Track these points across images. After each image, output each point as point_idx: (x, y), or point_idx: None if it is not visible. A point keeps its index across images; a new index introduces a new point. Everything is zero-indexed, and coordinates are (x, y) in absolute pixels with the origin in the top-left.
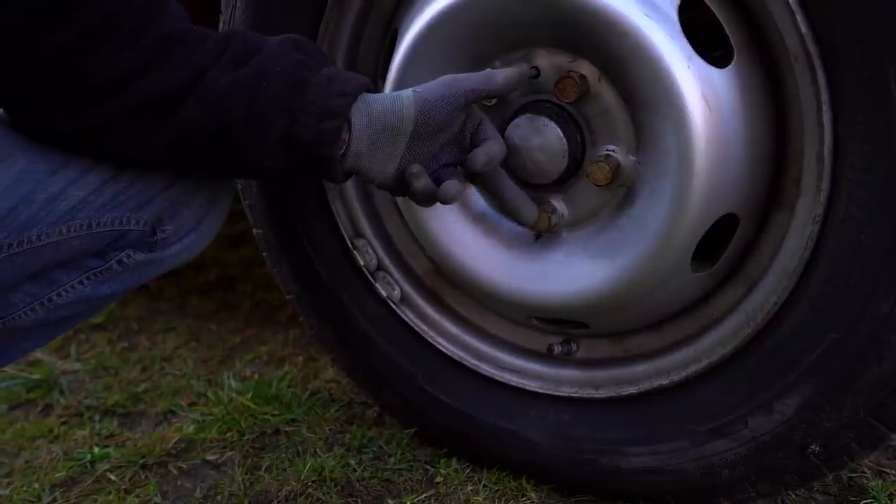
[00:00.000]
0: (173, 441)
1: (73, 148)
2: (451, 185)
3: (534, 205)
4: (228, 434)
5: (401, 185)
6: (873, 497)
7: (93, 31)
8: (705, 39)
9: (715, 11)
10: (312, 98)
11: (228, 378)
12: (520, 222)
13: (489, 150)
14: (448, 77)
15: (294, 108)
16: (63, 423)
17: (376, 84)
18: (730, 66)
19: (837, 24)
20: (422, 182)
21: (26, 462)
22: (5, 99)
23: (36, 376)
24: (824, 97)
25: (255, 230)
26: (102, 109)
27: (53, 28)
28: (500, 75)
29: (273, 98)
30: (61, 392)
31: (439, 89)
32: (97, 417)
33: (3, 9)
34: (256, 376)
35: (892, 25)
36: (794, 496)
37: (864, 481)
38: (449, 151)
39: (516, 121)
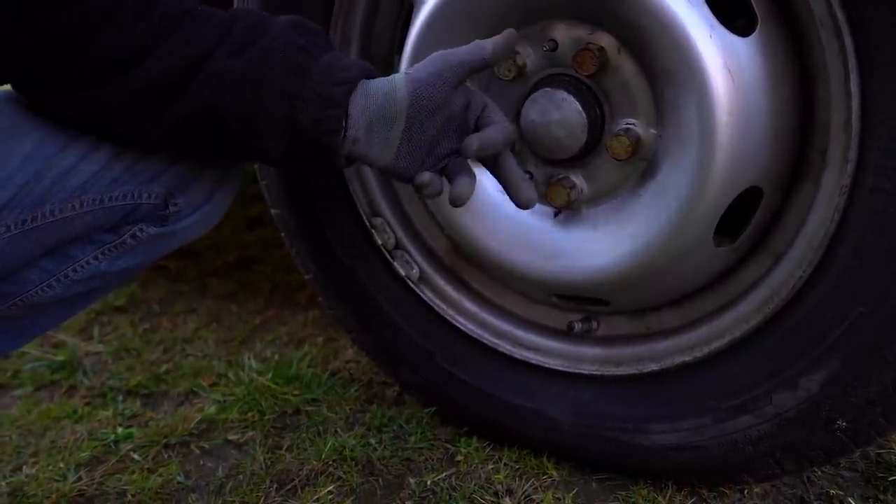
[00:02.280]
0: (195, 421)
1: (80, 128)
2: (458, 191)
3: (533, 190)
4: (249, 414)
5: (405, 176)
6: None
7: (100, 7)
8: (728, 7)
9: None
10: (313, 86)
11: (249, 359)
12: (517, 205)
13: (483, 137)
14: (438, 53)
15: (295, 95)
16: (87, 403)
17: (390, 60)
18: (753, 35)
19: None
20: (430, 189)
21: (52, 442)
22: (14, 77)
23: (60, 358)
24: (852, 64)
25: (272, 210)
26: (108, 90)
27: (64, 4)
28: (489, 43)
29: (275, 85)
30: (85, 373)
31: (430, 67)
32: (120, 398)
33: None
34: (277, 357)
35: None
36: (819, 473)
37: (893, 457)
38: (451, 137)
39: (534, 95)
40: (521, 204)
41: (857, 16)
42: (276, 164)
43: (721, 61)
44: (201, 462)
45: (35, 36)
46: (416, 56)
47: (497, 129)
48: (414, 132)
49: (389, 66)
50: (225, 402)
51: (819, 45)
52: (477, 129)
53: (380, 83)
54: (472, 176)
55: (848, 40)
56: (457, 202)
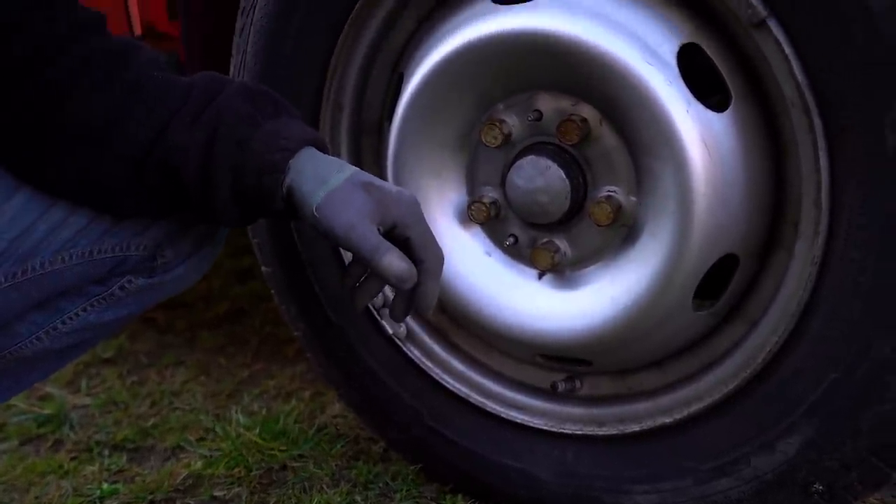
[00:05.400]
0: (181, 476)
1: (60, 195)
2: (359, 294)
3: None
4: (236, 470)
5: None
6: None
7: (71, 77)
8: (704, 84)
9: (713, 58)
10: (252, 155)
11: (236, 413)
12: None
13: (430, 294)
14: (355, 215)
15: (238, 165)
16: (73, 458)
17: (380, 126)
18: (728, 111)
19: (833, 72)
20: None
21: (36, 498)
22: None
23: (47, 411)
24: (821, 143)
25: (263, 268)
26: (77, 159)
27: (41, 70)
28: (387, 263)
29: (221, 158)
30: (71, 427)
31: (336, 221)
32: (107, 452)
33: (2, 41)
34: (264, 411)
35: (886, 74)
36: None
37: None
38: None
39: (519, 162)
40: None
41: (824, 97)
42: (239, 225)
43: (698, 135)
44: None
45: (16, 112)
46: (404, 124)
47: (433, 275)
48: None
49: (379, 132)
50: (212, 457)
51: (790, 123)
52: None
53: (310, 181)
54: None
55: (816, 120)
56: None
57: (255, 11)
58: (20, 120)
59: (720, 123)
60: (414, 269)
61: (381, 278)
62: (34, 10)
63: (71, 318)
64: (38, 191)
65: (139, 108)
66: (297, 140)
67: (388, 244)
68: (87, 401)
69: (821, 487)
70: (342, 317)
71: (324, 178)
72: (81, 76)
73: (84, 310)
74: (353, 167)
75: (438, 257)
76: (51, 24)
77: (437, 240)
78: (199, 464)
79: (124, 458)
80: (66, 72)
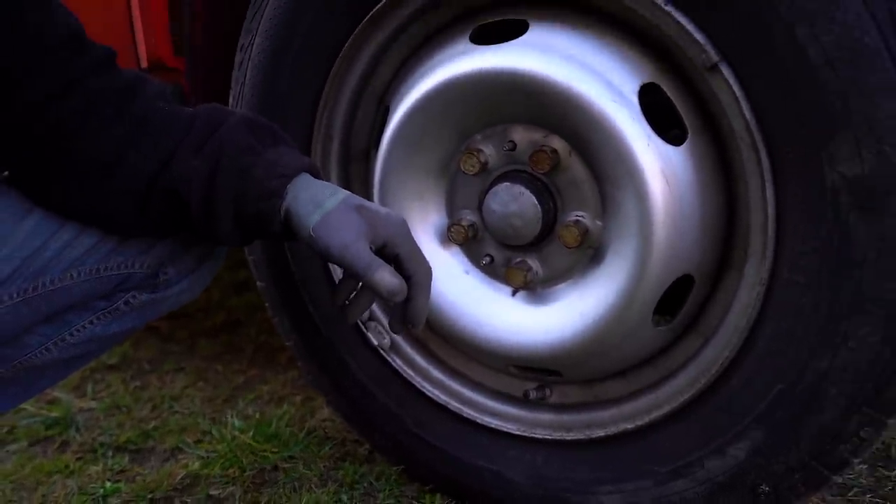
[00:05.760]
0: (180, 476)
1: (70, 217)
2: (351, 309)
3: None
4: (231, 470)
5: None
6: None
7: (81, 113)
8: (662, 120)
9: (671, 96)
10: (253, 182)
11: (232, 417)
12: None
13: (421, 305)
14: (350, 238)
15: (240, 192)
16: (78, 458)
17: (368, 155)
18: (684, 145)
19: (777, 112)
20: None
21: (43, 496)
22: (14, 173)
23: (54, 414)
24: (767, 175)
25: (258, 283)
26: (88, 186)
27: (50, 107)
28: (378, 279)
29: (224, 186)
30: (77, 429)
31: (334, 240)
32: (110, 454)
33: (14, 86)
34: (258, 415)
35: (822, 116)
36: None
37: None
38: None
39: (495, 188)
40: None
41: (770, 134)
42: (239, 245)
43: (657, 167)
44: None
45: (36, 143)
46: (390, 152)
47: (422, 288)
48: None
49: (366, 159)
50: (208, 458)
51: (740, 157)
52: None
53: (305, 204)
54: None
55: (763, 154)
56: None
57: (253, 49)
58: (31, 155)
59: (677, 156)
60: (404, 284)
61: (372, 293)
62: (48, 53)
63: (78, 331)
64: (50, 212)
65: (146, 140)
66: (293, 167)
67: (380, 261)
68: (93, 404)
69: (767, 489)
70: (331, 330)
71: (319, 202)
72: (91, 114)
73: (91, 323)
74: (346, 191)
75: (427, 272)
76: (65, 64)
77: None
78: (197, 464)
79: (126, 458)
80: (76, 111)
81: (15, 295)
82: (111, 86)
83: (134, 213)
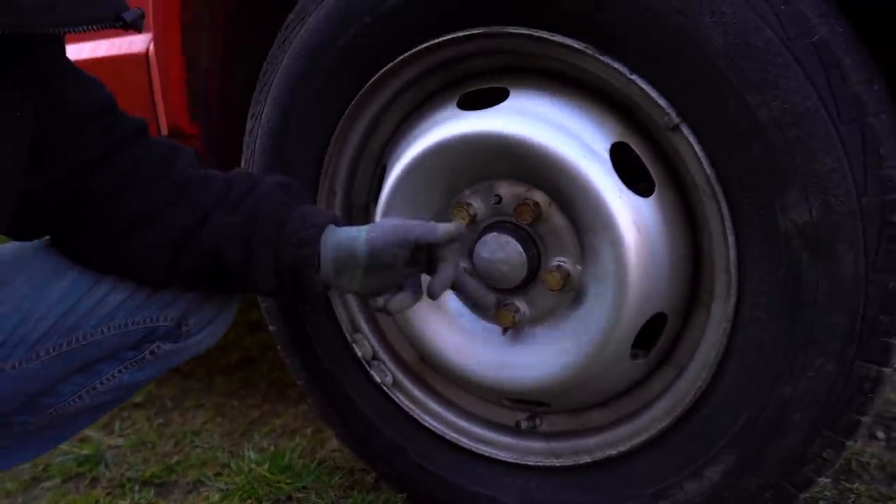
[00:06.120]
0: None
1: (106, 272)
2: (393, 305)
3: (491, 295)
4: (248, 502)
5: (368, 296)
6: None
7: (124, 177)
8: (632, 175)
9: (639, 153)
10: (291, 232)
11: (248, 450)
12: (482, 309)
13: (440, 280)
14: (399, 224)
15: (277, 241)
16: (108, 493)
17: (367, 209)
18: (652, 196)
19: (733, 167)
20: (376, 305)
21: None
22: (56, 234)
23: (85, 451)
24: (728, 224)
25: (270, 326)
26: (126, 245)
27: (99, 176)
28: (441, 229)
29: (262, 236)
30: (106, 465)
31: (389, 236)
32: (137, 488)
33: (57, 156)
34: (272, 447)
35: (774, 170)
36: None
37: None
38: (403, 271)
39: (484, 238)
40: (487, 307)
41: (728, 187)
42: (269, 295)
43: (629, 217)
44: None
45: (77, 202)
46: (388, 206)
47: (447, 268)
48: (371, 274)
49: (366, 213)
50: (227, 490)
51: (703, 207)
52: (430, 263)
53: (345, 236)
54: (417, 293)
55: (723, 204)
56: (393, 313)
57: (262, 117)
58: (73, 218)
59: (647, 207)
60: (461, 225)
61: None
62: (86, 126)
63: (108, 379)
64: (86, 269)
65: (182, 201)
66: (324, 218)
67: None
68: (120, 441)
69: None
70: (337, 368)
71: (357, 232)
72: (132, 180)
73: (119, 372)
74: (361, 241)
75: (455, 254)
76: (102, 135)
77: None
78: (217, 496)
79: (152, 492)
80: (118, 177)
81: (51, 350)
82: (150, 153)
83: (164, 267)
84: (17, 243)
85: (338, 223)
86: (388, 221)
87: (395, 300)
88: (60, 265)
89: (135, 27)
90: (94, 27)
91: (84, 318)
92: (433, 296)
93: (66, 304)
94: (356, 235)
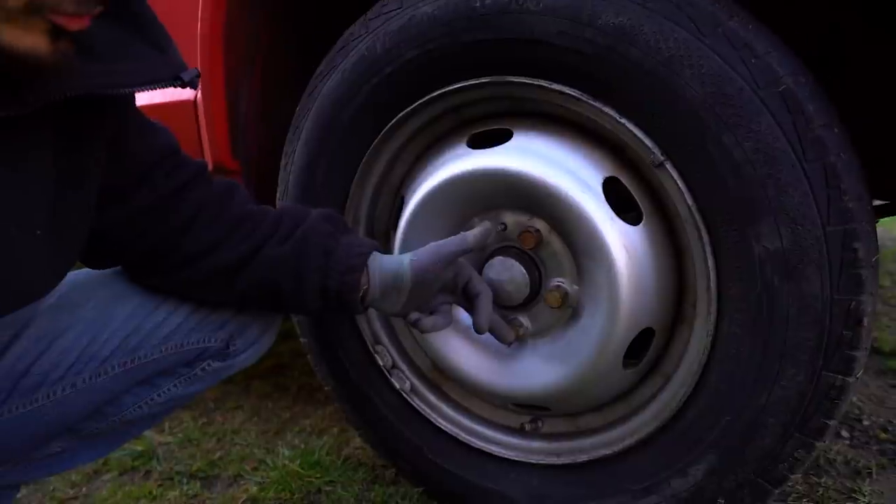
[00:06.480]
0: (241, 500)
1: (171, 294)
2: (426, 323)
3: (511, 329)
4: (282, 494)
5: (405, 318)
6: None
7: (188, 217)
8: (623, 206)
9: (628, 187)
10: (337, 259)
11: (282, 447)
12: (500, 340)
13: (486, 313)
14: (434, 245)
15: (325, 268)
16: (159, 485)
17: (389, 235)
18: (641, 225)
19: (712, 199)
20: (413, 321)
21: None
22: (125, 263)
23: (139, 448)
24: (708, 249)
25: (301, 339)
26: (191, 272)
27: (166, 217)
28: (471, 236)
29: (310, 263)
30: (158, 460)
31: (430, 257)
32: (185, 481)
33: (127, 197)
34: (303, 445)
35: (747, 202)
36: None
37: None
38: (440, 296)
39: (491, 261)
40: (502, 340)
41: (707, 217)
42: (314, 315)
43: (620, 243)
44: None
45: (146, 240)
46: (406, 235)
47: (486, 298)
48: (414, 297)
49: (386, 238)
50: (263, 483)
51: (685, 234)
52: (466, 293)
53: (391, 261)
54: (448, 318)
55: (703, 232)
56: (426, 331)
57: (295, 155)
58: (144, 252)
59: (636, 234)
60: (487, 225)
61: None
62: (151, 171)
63: (164, 392)
64: (148, 293)
65: (239, 234)
66: (367, 246)
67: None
68: (170, 439)
69: (722, 502)
70: (361, 376)
71: (399, 257)
72: (196, 219)
73: (174, 385)
74: (406, 264)
75: (487, 289)
76: (168, 176)
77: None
78: (255, 489)
79: (198, 484)
80: (182, 219)
81: (117, 367)
82: (211, 193)
83: (221, 292)
84: (89, 270)
85: (379, 250)
86: (426, 246)
87: (429, 320)
88: (127, 291)
89: (192, 86)
90: (155, 87)
91: (146, 338)
92: (480, 329)
93: (131, 326)
94: (401, 260)
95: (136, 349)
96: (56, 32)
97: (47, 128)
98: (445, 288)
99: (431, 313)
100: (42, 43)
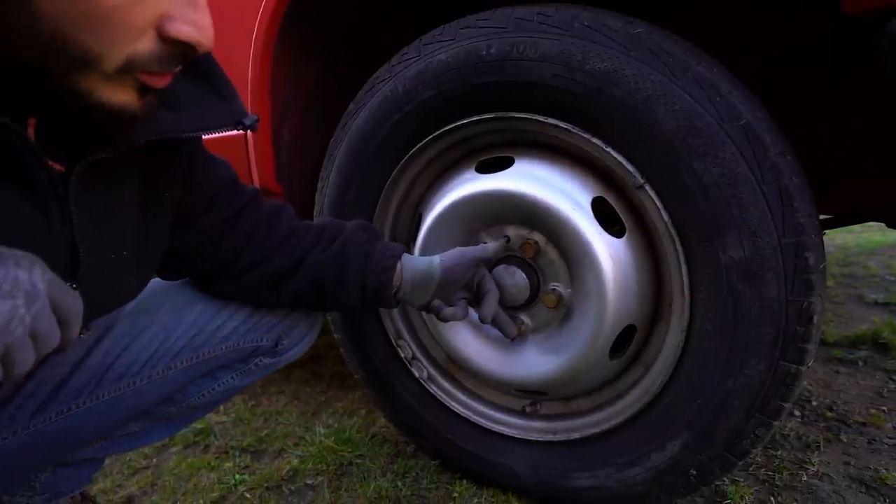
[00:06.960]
0: (285, 470)
1: (231, 299)
2: (447, 313)
3: (514, 325)
4: (319, 465)
5: (428, 309)
6: (730, 499)
7: (245, 235)
8: (609, 221)
9: (613, 205)
10: (374, 262)
11: (318, 426)
12: (504, 335)
13: (490, 305)
14: (460, 249)
15: (364, 269)
16: (216, 457)
17: (409, 246)
18: (624, 237)
19: (684, 217)
20: (436, 309)
21: (194, 485)
22: (192, 274)
23: (199, 426)
24: (682, 259)
25: (334, 335)
26: (247, 280)
27: (226, 237)
28: (491, 248)
29: (351, 266)
30: (215, 436)
31: (457, 259)
32: (237, 454)
33: (194, 222)
34: (336, 424)
35: (716, 218)
36: (680, 501)
37: (725, 487)
38: (460, 292)
39: (497, 269)
40: (507, 335)
41: (681, 231)
42: (353, 310)
43: (606, 253)
44: (290, 499)
45: (209, 256)
46: (424, 246)
47: (494, 295)
48: (439, 292)
49: (407, 250)
50: (303, 457)
51: (663, 246)
52: (478, 291)
53: (422, 262)
54: (465, 311)
55: (678, 244)
56: (446, 320)
57: (329, 179)
58: (209, 264)
59: (620, 245)
60: (502, 242)
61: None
62: (217, 198)
63: (223, 383)
64: (211, 299)
65: (288, 246)
66: (398, 250)
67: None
68: (224, 418)
69: (695, 472)
70: (385, 365)
71: (429, 258)
72: (251, 237)
73: (231, 378)
74: (436, 264)
75: (495, 288)
76: (228, 202)
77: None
78: (296, 461)
79: (249, 457)
80: (240, 237)
81: (185, 362)
82: (263, 214)
83: (273, 295)
84: (164, 281)
85: (409, 252)
86: (452, 250)
87: (449, 310)
88: (193, 298)
89: (252, 129)
90: (222, 131)
91: (209, 338)
92: (485, 319)
93: (196, 328)
94: (432, 260)
95: (201, 347)
96: (144, 89)
97: (132, 166)
98: (464, 286)
99: (450, 306)
100: (132, 98)
